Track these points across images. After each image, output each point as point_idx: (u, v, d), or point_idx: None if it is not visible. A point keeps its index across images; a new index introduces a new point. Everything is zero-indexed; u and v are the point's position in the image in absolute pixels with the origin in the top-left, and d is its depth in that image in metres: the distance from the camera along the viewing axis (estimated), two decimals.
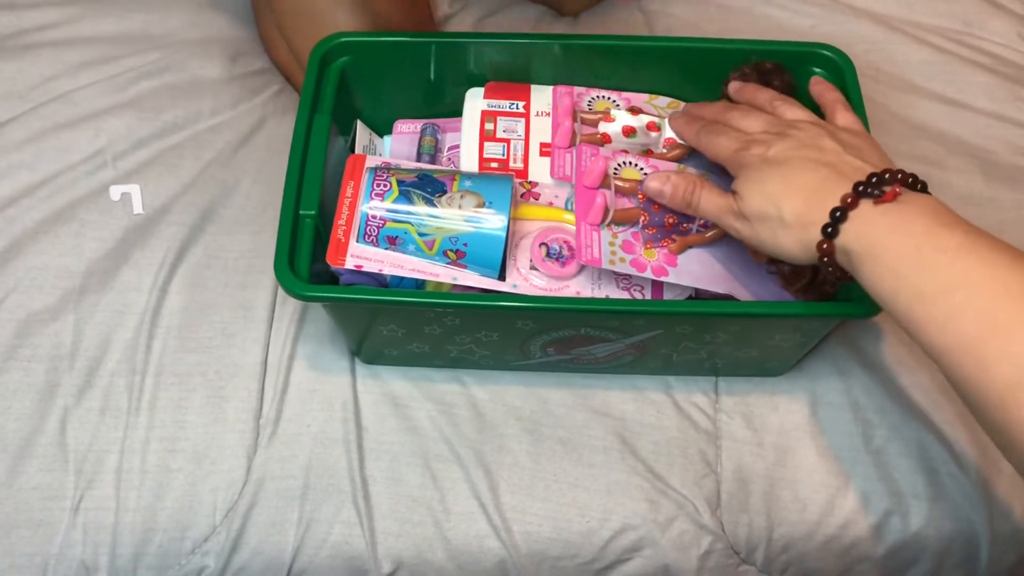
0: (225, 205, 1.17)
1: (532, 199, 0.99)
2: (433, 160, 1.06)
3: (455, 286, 0.93)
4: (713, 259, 0.97)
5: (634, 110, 1.05)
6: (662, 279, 0.93)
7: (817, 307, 0.92)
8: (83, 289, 1.10)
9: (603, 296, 0.94)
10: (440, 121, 1.10)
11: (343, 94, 1.03)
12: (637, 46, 1.07)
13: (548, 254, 0.94)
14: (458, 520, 1.01)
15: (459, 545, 1.01)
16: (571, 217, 0.97)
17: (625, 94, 1.08)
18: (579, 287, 0.94)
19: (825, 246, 0.77)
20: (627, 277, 0.95)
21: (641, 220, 0.95)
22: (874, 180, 0.76)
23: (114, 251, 1.12)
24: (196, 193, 1.17)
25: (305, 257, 0.90)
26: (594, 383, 1.07)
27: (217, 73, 1.27)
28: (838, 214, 0.76)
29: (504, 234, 0.90)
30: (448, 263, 0.92)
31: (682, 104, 1.08)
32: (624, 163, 0.99)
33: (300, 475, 1.02)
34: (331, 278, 0.96)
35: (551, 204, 0.99)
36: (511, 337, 0.97)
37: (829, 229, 0.76)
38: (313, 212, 0.92)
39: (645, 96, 1.09)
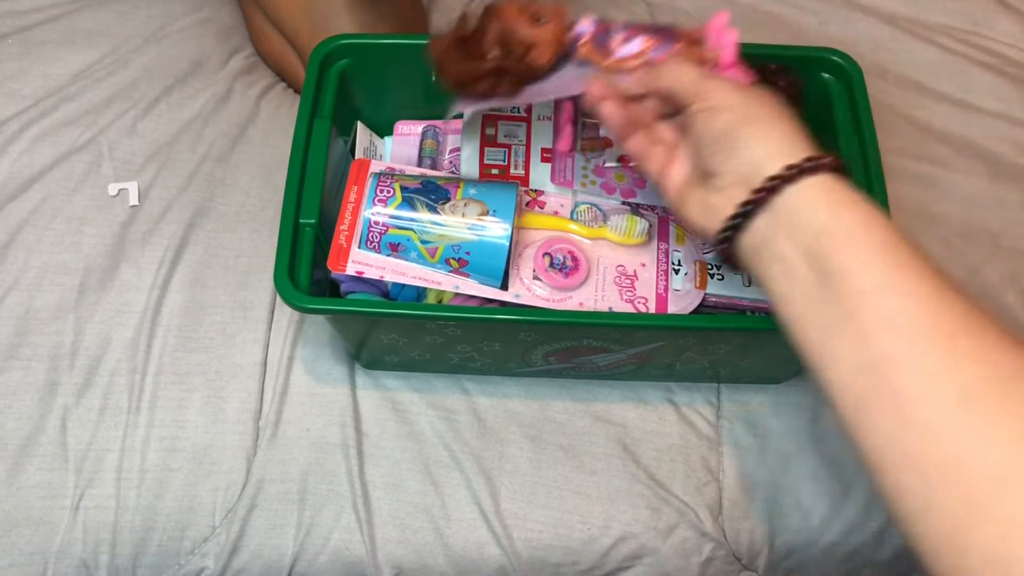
0: (224, 202, 1.17)
1: (537, 207, 0.98)
2: (435, 163, 1.05)
3: (457, 295, 0.92)
4: None
5: None
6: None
7: None
8: (83, 287, 1.10)
9: (606, 307, 0.93)
10: (441, 123, 1.09)
11: (343, 95, 1.03)
12: None
13: (552, 264, 0.93)
14: (459, 526, 1.01)
15: (460, 551, 1.01)
16: (576, 227, 0.96)
17: None
18: (582, 298, 0.93)
19: (832, 160, 0.70)
20: (631, 290, 0.94)
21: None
22: None
23: (113, 248, 1.12)
24: (194, 189, 1.17)
25: (305, 267, 0.89)
26: (596, 390, 1.07)
27: (213, 67, 1.27)
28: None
29: (507, 243, 0.89)
30: (450, 271, 0.91)
31: None
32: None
33: (300, 479, 1.02)
34: (331, 283, 0.96)
35: (556, 213, 0.98)
36: (513, 347, 0.97)
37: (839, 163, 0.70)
38: (313, 221, 0.91)
39: None
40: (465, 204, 0.90)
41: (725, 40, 0.88)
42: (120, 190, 1.16)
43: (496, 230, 0.89)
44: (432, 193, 0.91)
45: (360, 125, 1.06)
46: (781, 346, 0.95)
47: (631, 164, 1.00)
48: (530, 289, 0.93)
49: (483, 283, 0.92)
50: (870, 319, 0.62)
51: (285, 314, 1.10)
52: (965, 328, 0.59)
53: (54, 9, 1.29)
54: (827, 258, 0.65)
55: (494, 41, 0.88)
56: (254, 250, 1.14)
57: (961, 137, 1.24)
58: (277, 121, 1.24)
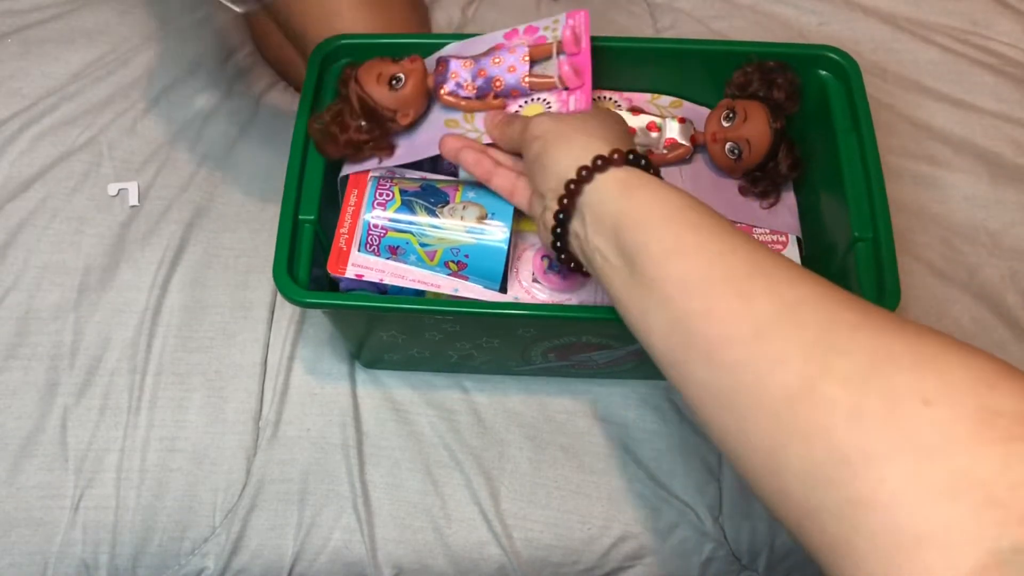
0: (224, 202, 1.17)
1: None
2: (435, 165, 1.05)
3: (455, 296, 0.92)
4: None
5: (635, 110, 1.04)
6: None
7: None
8: (83, 287, 1.10)
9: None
10: None
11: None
12: (641, 48, 1.05)
13: (550, 267, 0.93)
14: (459, 526, 1.01)
15: (460, 551, 1.01)
16: None
17: (627, 94, 1.07)
18: (581, 300, 0.93)
19: (617, 155, 0.75)
20: None
21: None
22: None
23: (113, 248, 1.12)
24: (194, 189, 1.17)
25: (305, 262, 0.89)
26: (596, 390, 1.07)
27: (213, 66, 1.27)
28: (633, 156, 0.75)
29: (506, 246, 0.89)
30: (449, 274, 0.91)
31: (684, 103, 1.07)
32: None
33: (300, 479, 1.02)
34: (330, 282, 0.96)
35: None
36: (512, 344, 0.96)
37: (630, 155, 0.75)
38: (312, 217, 0.91)
39: (647, 96, 1.07)
40: (464, 207, 0.90)
41: (565, 70, 0.93)
42: (120, 190, 1.16)
43: (495, 233, 0.89)
44: (431, 196, 0.91)
45: None
46: None
47: None
48: (529, 292, 0.93)
49: (482, 286, 0.91)
50: (668, 283, 0.66)
51: (285, 314, 1.10)
52: (752, 273, 0.64)
53: (54, 8, 1.29)
54: (626, 239, 0.70)
55: (361, 112, 0.92)
56: (254, 250, 1.14)
57: (961, 137, 1.24)
58: (277, 121, 1.24)
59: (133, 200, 1.15)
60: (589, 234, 0.74)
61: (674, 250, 0.67)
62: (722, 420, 0.62)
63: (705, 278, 0.65)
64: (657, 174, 0.75)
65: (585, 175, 0.74)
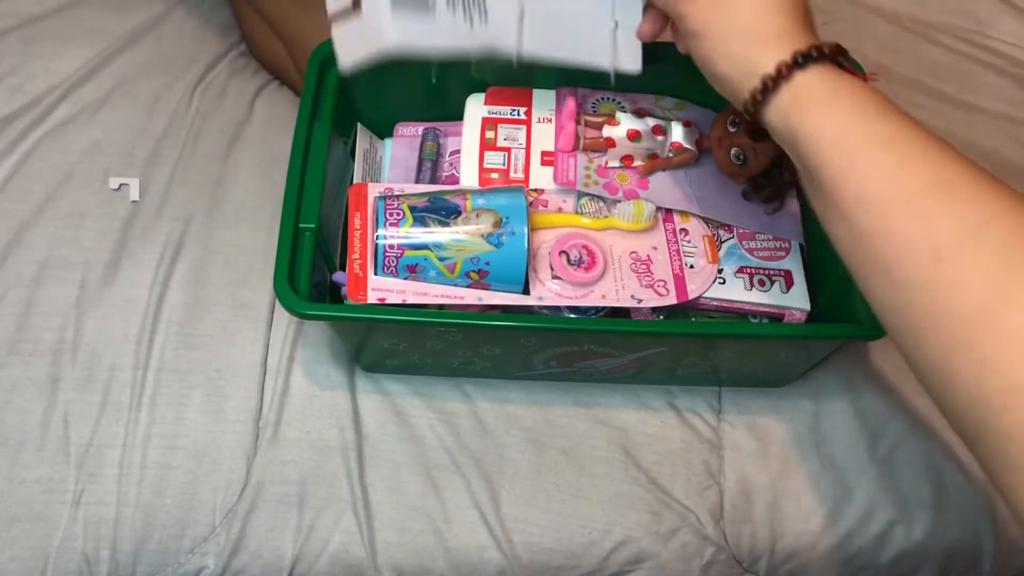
0: (224, 199, 1.16)
1: (541, 207, 0.98)
2: (435, 166, 1.05)
3: (480, 305, 0.92)
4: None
5: (640, 112, 1.03)
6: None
7: (824, 329, 0.91)
8: (84, 283, 1.09)
9: (628, 296, 0.92)
10: (442, 125, 1.08)
11: (343, 97, 1.02)
12: (646, 47, 1.05)
13: (569, 261, 0.93)
14: (459, 530, 1.01)
15: (460, 555, 1.00)
16: (585, 220, 0.96)
17: (631, 95, 1.07)
18: (603, 290, 0.92)
19: (784, 70, 0.73)
20: (649, 275, 0.94)
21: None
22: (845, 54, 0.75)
23: (114, 244, 1.12)
24: (194, 187, 1.17)
25: (305, 272, 0.89)
26: (597, 394, 1.07)
27: (211, 63, 1.28)
28: (815, 53, 0.72)
29: (526, 249, 0.88)
30: (471, 284, 0.90)
31: (688, 105, 1.07)
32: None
33: (300, 481, 1.02)
34: (332, 288, 0.95)
35: (560, 209, 0.98)
36: (514, 352, 0.96)
37: (800, 59, 0.72)
38: (313, 225, 0.90)
39: (651, 97, 1.07)
40: (477, 215, 0.89)
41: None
42: (121, 185, 1.16)
43: (513, 236, 0.89)
44: (442, 209, 0.90)
45: (360, 127, 1.06)
46: (783, 351, 0.96)
47: (634, 164, 1.00)
48: (550, 289, 0.92)
49: (506, 291, 0.91)
50: (845, 203, 0.67)
51: (285, 314, 1.09)
52: (931, 190, 0.64)
53: (55, 6, 1.29)
54: (800, 155, 0.72)
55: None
56: (254, 248, 1.13)
57: (965, 138, 1.23)
58: (273, 118, 1.24)
59: (134, 196, 1.15)
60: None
61: (848, 171, 0.67)
62: (899, 330, 0.64)
63: (881, 198, 0.65)
64: (835, 55, 0.73)
65: (760, 99, 0.74)
